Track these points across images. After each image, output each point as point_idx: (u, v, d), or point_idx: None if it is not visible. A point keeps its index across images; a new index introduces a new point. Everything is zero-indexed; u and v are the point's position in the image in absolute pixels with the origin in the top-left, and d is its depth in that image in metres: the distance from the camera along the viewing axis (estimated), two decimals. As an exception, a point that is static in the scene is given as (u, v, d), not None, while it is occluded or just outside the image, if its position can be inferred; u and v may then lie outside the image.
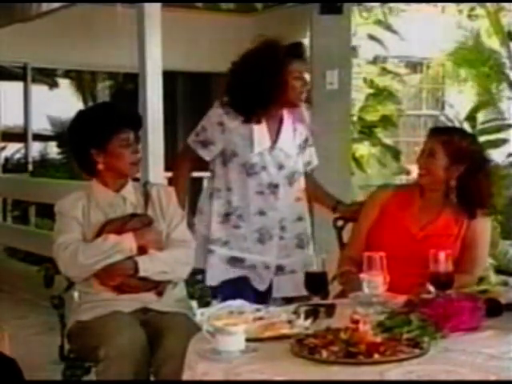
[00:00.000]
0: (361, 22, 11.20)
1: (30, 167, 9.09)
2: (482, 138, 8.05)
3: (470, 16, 12.59)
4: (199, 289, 4.79)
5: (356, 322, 2.21)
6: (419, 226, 3.24)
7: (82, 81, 11.26)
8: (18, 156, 10.00)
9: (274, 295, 3.57)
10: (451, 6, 12.11)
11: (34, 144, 9.61)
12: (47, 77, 10.64)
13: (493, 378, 2.01)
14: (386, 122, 11.17)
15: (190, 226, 3.44)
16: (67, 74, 11.00)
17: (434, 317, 2.36)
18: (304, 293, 2.81)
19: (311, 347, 2.17)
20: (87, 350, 3.00)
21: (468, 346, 2.26)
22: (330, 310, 2.58)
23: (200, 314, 2.63)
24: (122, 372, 2.83)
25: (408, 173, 10.53)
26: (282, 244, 3.55)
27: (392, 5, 11.48)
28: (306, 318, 2.44)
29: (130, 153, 3.18)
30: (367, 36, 11.49)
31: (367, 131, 10.92)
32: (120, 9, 6.77)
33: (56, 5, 7.08)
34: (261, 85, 3.39)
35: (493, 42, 12.52)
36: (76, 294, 3.22)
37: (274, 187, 3.50)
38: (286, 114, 3.55)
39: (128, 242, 3.09)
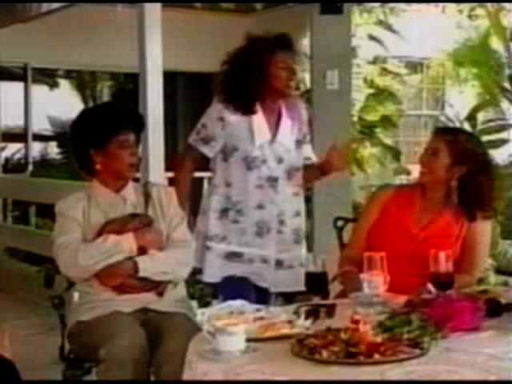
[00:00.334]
0: (361, 22, 11.20)
1: (30, 167, 9.09)
2: (482, 138, 8.04)
3: (470, 16, 12.59)
4: (199, 289, 4.78)
5: (356, 322, 2.21)
6: (420, 226, 3.24)
7: (82, 81, 11.28)
8: (18, 156, 10.01)
9: (271, 290, 3.58)
10: (451, 6, 12.12)
11: (34, 144, 9.62)
12: (47, 77, 10.65)
13: (493, 378, 2.01)
14: (386, 122, 11.18)
15: (191, 226, 3.44)
16: (67, 74, 11.02)
17: (435, 317, 2.36)
18: (302, 288, 2.81)
19: (311, 347, 2.17)
20: (87, 350, 3.00)
21: (468, 346, 2.26)
22: (331, 310, 2.58)
23: (200, 314, 2.63)
24: (122, 372, 2.83)
25: (408, 173, 10.53)
26: (280, 238, 3.55)
27: (392, 5, 11.48)
28: (307, 318, 2.44)
29: (128, 155, 3.17)
30: (367, 36, 11.49)
31: (367, 131, 10.92)
32: (120, 9, 6.79)
33: (56, 5, 7.09)
34: (246, 76, 3.45)
35: (493, 42, 12.51)
36: (76, 294, 3.21)
37: (273, 180, 3.52)
38: (284, 110, 3.57)
39: (128, 243, 3.09)
